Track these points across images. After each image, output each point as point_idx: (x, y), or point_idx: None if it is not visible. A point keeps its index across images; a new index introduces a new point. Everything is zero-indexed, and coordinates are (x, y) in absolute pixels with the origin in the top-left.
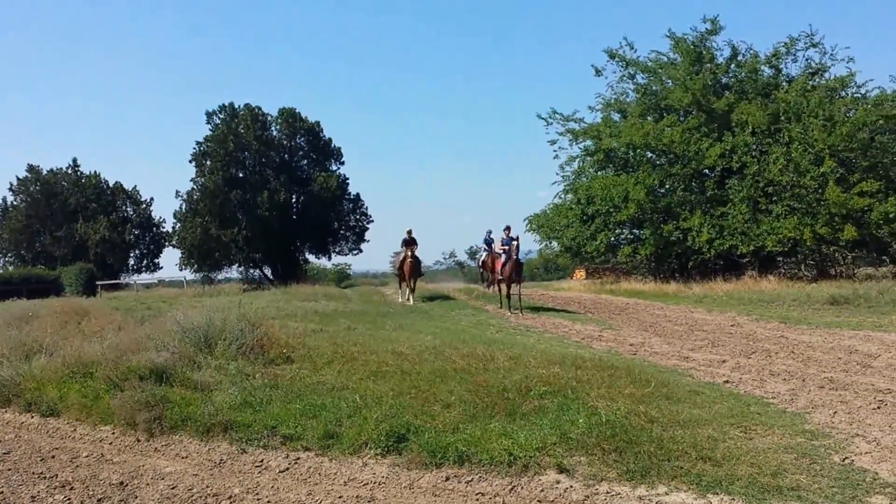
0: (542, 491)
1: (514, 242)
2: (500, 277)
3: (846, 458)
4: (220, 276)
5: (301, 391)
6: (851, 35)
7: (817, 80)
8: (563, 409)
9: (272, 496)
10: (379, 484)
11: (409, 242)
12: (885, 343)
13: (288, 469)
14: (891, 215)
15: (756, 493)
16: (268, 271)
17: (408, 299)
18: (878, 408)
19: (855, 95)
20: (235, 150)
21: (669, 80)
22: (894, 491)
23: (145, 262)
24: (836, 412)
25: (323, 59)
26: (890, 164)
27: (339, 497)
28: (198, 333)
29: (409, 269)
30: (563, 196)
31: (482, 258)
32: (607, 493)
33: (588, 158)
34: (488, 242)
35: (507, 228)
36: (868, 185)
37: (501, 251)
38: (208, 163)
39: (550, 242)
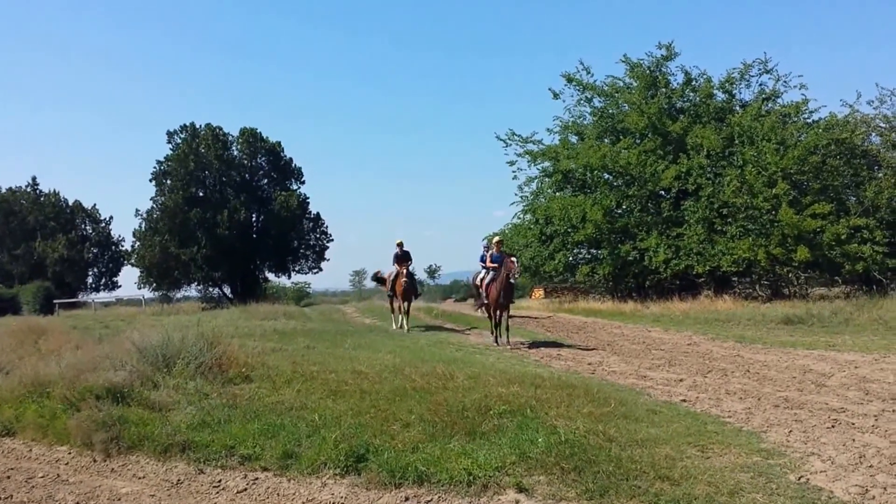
0: None
1: (513, 260)
2: (484, 301)
3: (802, 476)
4: (179, 295)
5: (260, 411)
6: (805, 61)
7: (770, 105)
8: (522, 428)
9: None
10: None
11: (402, 257)
12: (839, 362)
13: (246, 489)
14: (842, 237)
15: None
16: (227, 290)
17: (401, 326)
18: (833, 427)
19: (807, 120)
20: (196, 169)
21: (625, 104)
22: None
23: (104, 280)
24: (791, 431)
25: (286, 80)
26: (841, 186)
27: None
28: (156, 352)
29: (403, 290)
30: (521, 216)
31: (480, 275)
32: None
33: (546, 179)
34: (496, 260)
35: (500, 242)
36: (820, 207)
37: (489, 268)
38: (168, 182)
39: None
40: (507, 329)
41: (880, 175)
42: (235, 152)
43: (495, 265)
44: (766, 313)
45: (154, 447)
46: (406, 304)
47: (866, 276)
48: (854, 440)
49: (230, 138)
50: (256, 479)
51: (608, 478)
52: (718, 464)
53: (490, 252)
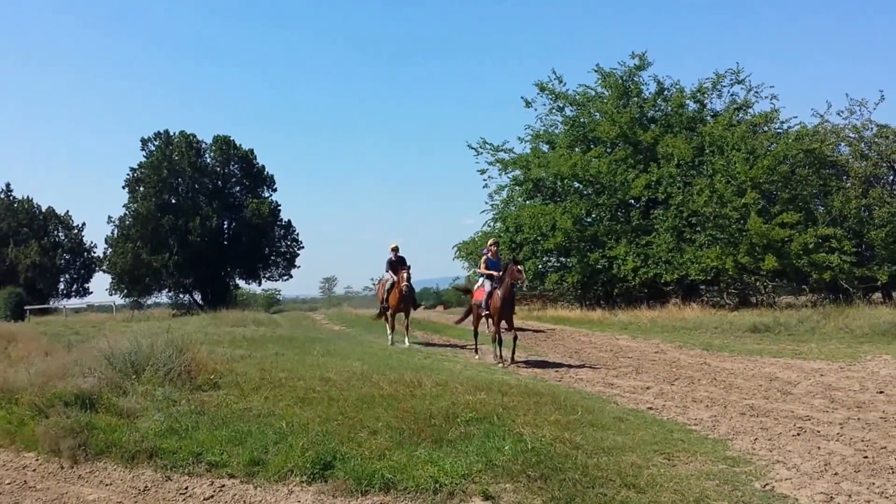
0: None
1: (520, 269)
2: (485, 311)
3: (767, 484)
4: (149, 301)
5: (227, 418)
6: (776, 72)
7: (741, 115)
8: (489, 435)
9: None
10: None
11: (398, 263)
12: (805, 370)
13: (213, 496)
14: (810, 246)
15: None
16: (198, 297)
17: (402, 341)
18: (798, 434)
19: (777, 130)
20: (169, 176)
21: (597, 113)
22: None
23: (75, 286)
24: (756, 439)
25: (259, 87)
26: (809, 196)
27: None
28: (124, 359)
29: (400, 302)
30: (492, 224)
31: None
32: None
33: (517, 188)
34: (492, 265)
35: (496, 244)
36: (788, 216)
37: (487, 276)
38: (141, 189)
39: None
40: (506, 343)
41: (848, 185)
42: (208, 159)
43: (493, 272)
44: (733, 321)
45: (121, 454)
46: (405, 317)
47: (833, 284)
48: (819, 448)
49: (203, 145)
50: (223, 486)
51: (574, 485)
52: (684, 471)
53: (485, 257)
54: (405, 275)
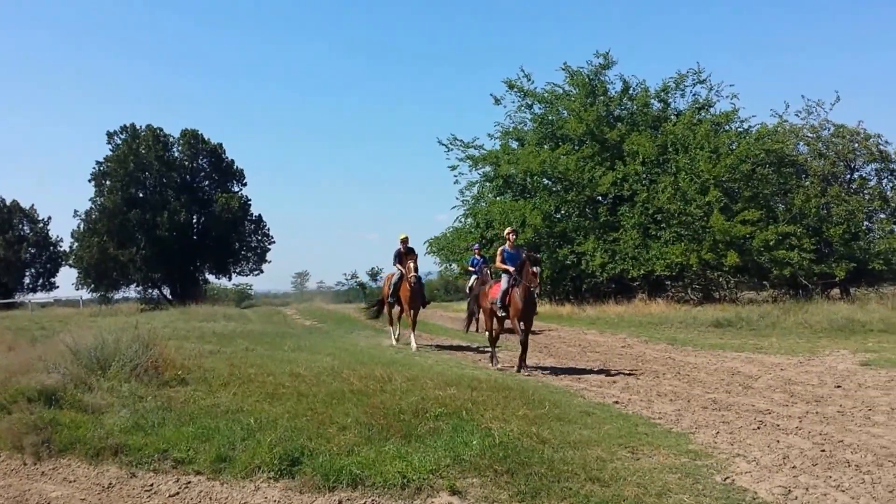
0: None
1: (535, 271)
2: (501, 312)
3: (727, 477)
4: (117, 296)
5: (195, 414)
6: (736, 72)
7: (704, 114)
8: (457, 430)
9: None
10: None
11: (406, 255)
12: (766, 365)
13: (178, 493)
14: (771, 243)
15: None
16: (167, 291)
17: (406, 341)
18: (758, 428)
19: (738, 129)
20: (136, 170)
21: (565, 111)
22: None
23: (41, 281)
24: (718, 432)
25: (228, 81)
26: (770, 194)
27: None
28: (90, 355)
29: (409, 298)
30: (462, 220)
31: (470, 283)
32: None
33: (487, 184)
34: (476, 264)
35: (514, 232)
36: (750, 213)
37: (504, 271)
38: (108, 182)
39: (450, 265)
40: (526, 346)
41: (807, 183)
42: (176, 153)
43: (510, 267)
44: (697, 316)
45: (86, 450)
46: (412, 312)
47: (793, 280)
48: (779, 441)
49: (171, 139)
50: (189, 482)
51: (540, 479)
52: (648, 465)
53: (501, 248)
54: (412, 265)
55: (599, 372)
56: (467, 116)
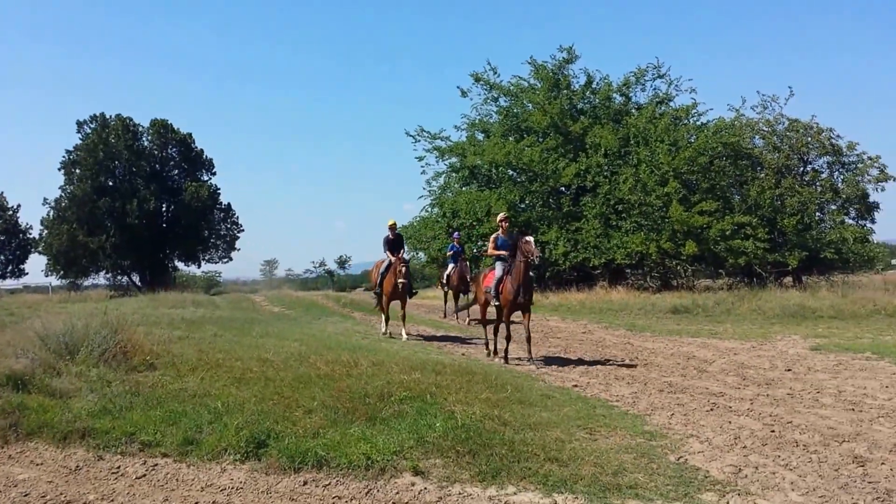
0: (397, 493)
1: (528, 240)
2: (494, 301)
3: (681, 457)
4: (87, 283)
5: (162, 398)
6: (695, 66)
7: (664, 107)
8: (421, 413)
9: (127, 502)
10: (236, 489)
11: (395, 244)
12: (720, 349)
13: (145, 475)
14: (727, 233)
15: (598, 492)
16: (136, 278)
17: (397, 333)
18: (711, 410)
19: (697, 123)
20: (105, 159)
21: (530, 104)
22: (723, 488)
23: (10, 268)
24: (673, 414)
25: (199, 74)
26: (727, 186)
27: (196, 502)
28: (59, 340)
29: (398, 290)
30: (429, 209)
31: (447, 272)
32: (460, 493)
33: (454, 175)
34: (456, 251)
35: (507, 219)
36: (707, 204)
37: (498, 257)
38: (78, 171)
39: (417, 253)
40: (530, 338)
41: (762, 175)
42: (146, 143)
43: (504, 252)
44: (655, 303)
45: (53, 434)
46: (401, 304)
47: (748, 269)
48: (730, 422)
49: (140, 129)
50: (156, 465)
51: (501, 460)
52: (605, 445)
53: (495, 235)
54: (403, 269)
55: (560, 357)
56: (435, 109)
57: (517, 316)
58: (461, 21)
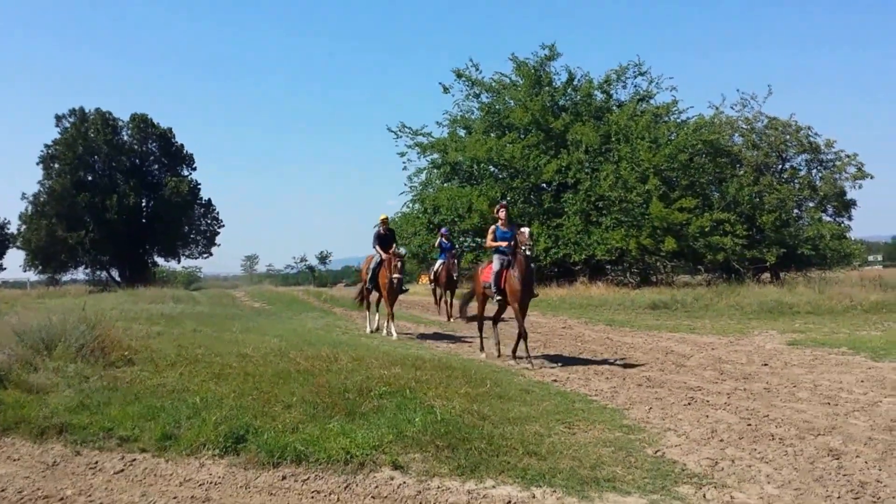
0: (376, 487)
1: (524, 231)
2: (497, 296)
3: (658, 450)
4: (65, 278)
5: (140, 393)
6: (676, 65)
7: (644, 105)
8: (401, 408)
9: (105, 497)
10: (215, 484)
11: (386, 239)
12: (698, 344)
13: (123, 470)
14: (706, 229)
15: (576, 485)
16: (115, 274)
17: (387, 330)
18: (689, 404)
19: (677, 121)
20: (85, 153)
21: (511, 101)
22: (700, 480)
23: None
24: (651, 408)
25: (179, 68)
26: (706, 183)
27: (174, 497)
28: (36, 335)
29: (389, 288)
30: (411, 205)
31: (435, 268)
32: (438, 487)
33: (435, 170)
34: (446, 248)
35: (505, 207)
36: (687, 201)
37: (498, 249)
38: (56, 166)
39: (399, 248)
40: (525, 335)
41: (741, 173)
42: (126, 137)
43: (504, 243)
44: (635, 299)
45: (30, 429)
46: (390, 302)
47: (726, 265)
48: (707, 416)
49: (120, 123)
50: (134, 460)
51: (480, 454)
52: (583, 439)
53: (493, 227)
54: (398, 264)
55: (540, 352)
56: (417, 104)
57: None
58: (445, 18)
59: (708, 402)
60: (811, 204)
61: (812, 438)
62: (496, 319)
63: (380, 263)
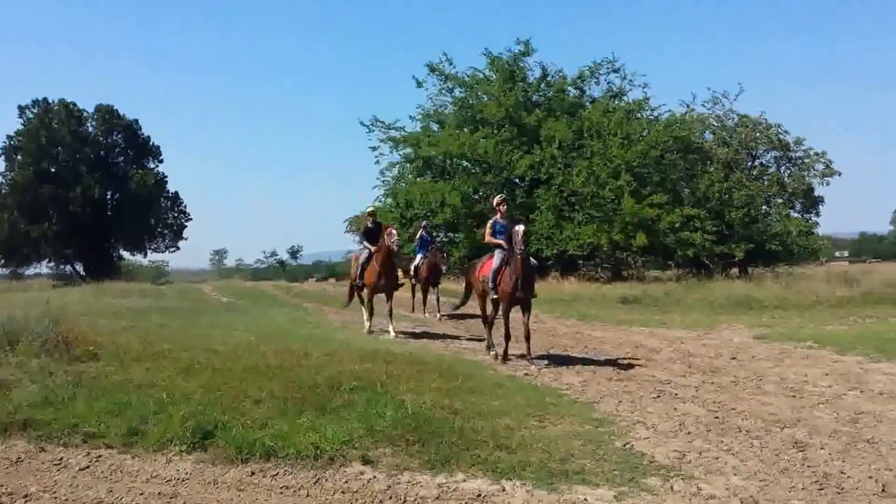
0: (346, 482)
1: (518, 230)
2: (493, 294)
3: (627, 443)
4: (29, 272)
5: (106, 389)
6: (648, 62)
7: (617, 101)
8: (371, 403)
9: (70, 494)
10: (182, 480)
11: (374, 233)
12: (667, 338)
13: (88, 467)
14: (676, 225)
15: (545, 478)
16: (80, 268)
17: (382, 328)
18: (658, 397)
19: (649, 117)
20: (48, 145)
21: (485, 95)
22: (668, 472)
23: None
24: (621, 401)
25: (147, 61)
26: (677, 179)
27: (141, 494)
28: None
29: (376, 282)
30: (383, 200)
31: (415, 263)
32: (409, 481)
33: (408, 165)
34: (425, 241)
35: (503, 201)
36: (658, 197)
37: (496, 246)
38: (19, 157)
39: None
40: (529, 336)
41: (712, 169)
42: (90, 129)
43: (502, 241)
44: (606, 293)
45: None
46: (388, 299)
47: (696, 260)
48: (676, 409)
49: (85, 115)
50: (100, 456)
51: (450, 448)
52: (553, 433)
53: (492, 221)
54: (394, 232)
55: (512, 347)
56: (390, 98)
57: (516, 311)
58: (419, 11)
59: (676, 395)
60: (779, 200)
61: (778, 431)
62: (493, 318)
63: (369, 258)
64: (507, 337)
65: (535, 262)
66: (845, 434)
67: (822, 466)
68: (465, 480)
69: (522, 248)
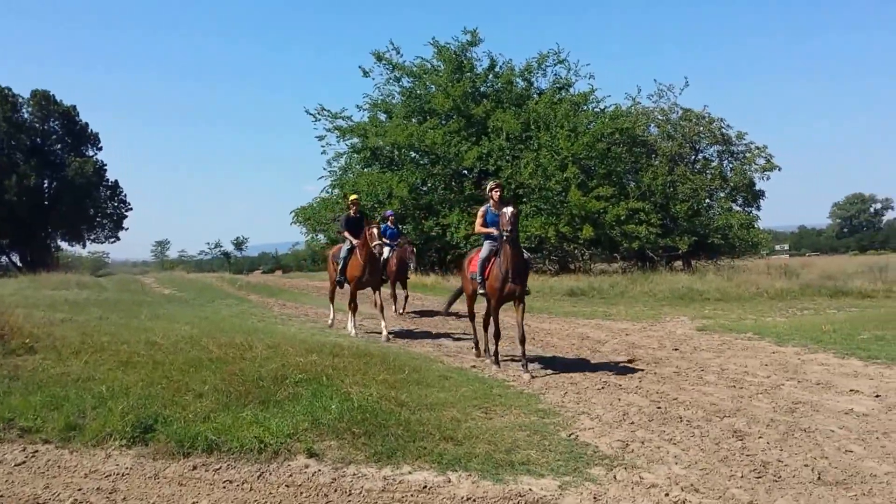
0: (290, 476)
1: (505, 212)
2: (480, 290)
3: (572, 433)
4: None
5: (43, 382)
6: (595, 55)
7: (563, 93)
8: (317, 395)
9: (6, 490)
10: (122, 475)
11: (356, 223)
12: (613, 330)
13: (24, 462)
14: (622, 217)
15: (491, 469)
16: (16, 258)
17: (378, 328)
18: (602, 388)
19: (595, 110)
20: None
21: (433, 86)
22: (611, 462)
23: None
24: (566, 393)
25: (88, 50)
26: (623, 172)
27: (79, 489)
28: None
29: (360, 274)
30: (330, 190)
31: (384, 256)
32: (354, 475)
33: (355, 155)
34: (392, 234)
35: (497, 186)
36: (604, 190)
37: (487, 236)
38: None
39: (317, 235)
40: (524, 339)
41: (657, 163)
42: (26, 115)
43: (493, 230)
44: (553, 286)
45: None
46: (377, 293)
47: (641, 253)
48: (619, 400)
49: (20, 100)
50: (36, 451)
51: (396, 440)
52: (499, 424)
53: (484, 209)
54: (374, 231)
55: (459, 339)
56: (337, 87)
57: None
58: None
59: (620, 386)
60: (722, 194)
61: (718, 420)
62: (486, 317)
63: (350, 251)
64: (497, 336)
65: (528, 254)
66: (783, 423)
67: (760, 455)
68: (411, 472)
69: (509, 230)
